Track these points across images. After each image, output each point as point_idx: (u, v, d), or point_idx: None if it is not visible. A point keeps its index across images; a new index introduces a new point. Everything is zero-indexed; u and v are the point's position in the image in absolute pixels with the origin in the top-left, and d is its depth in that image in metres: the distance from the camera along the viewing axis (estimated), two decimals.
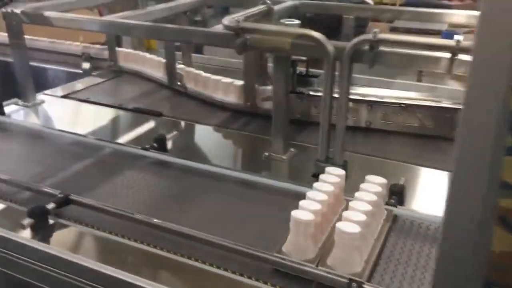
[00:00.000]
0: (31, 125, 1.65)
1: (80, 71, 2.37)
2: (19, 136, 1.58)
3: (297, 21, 1.57)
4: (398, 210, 1.12)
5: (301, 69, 1.78)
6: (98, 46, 2.40)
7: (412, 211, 1.14)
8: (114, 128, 1.78)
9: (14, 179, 1.25)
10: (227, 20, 1.31)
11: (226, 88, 1.84)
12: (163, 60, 2.11)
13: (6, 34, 2.61)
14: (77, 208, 1.15)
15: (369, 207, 0.97)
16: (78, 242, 1.10)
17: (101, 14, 2.84)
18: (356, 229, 0.90)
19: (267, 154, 1.45)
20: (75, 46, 2.45)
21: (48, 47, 2.50)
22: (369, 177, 1.09)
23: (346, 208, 1.00)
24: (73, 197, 1.15)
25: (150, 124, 1.75)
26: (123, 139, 1.62)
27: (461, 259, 0.62)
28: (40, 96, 1.93)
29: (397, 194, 1.17)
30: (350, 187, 1.12)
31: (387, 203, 1.13)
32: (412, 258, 0.99)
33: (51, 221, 1.12)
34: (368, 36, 1.12)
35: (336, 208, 1.07)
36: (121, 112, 1.84)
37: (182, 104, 1.93)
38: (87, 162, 1.41)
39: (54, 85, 2.25)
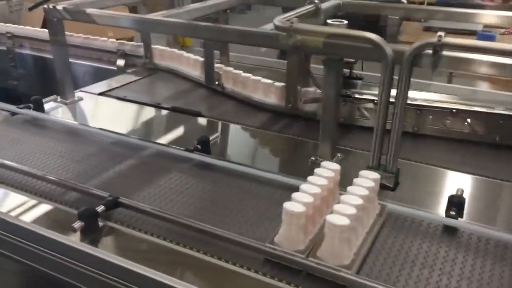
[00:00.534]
0: (72, 123, 1.63)
1: (114, 68, 2.36)
2: (61, 134, 1.56)
3: (345, 22, 1.53)
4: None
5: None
6: (132, 43, 2.38)
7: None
8: (153, 128, 1.75)
9: (62, 180, 1.23)
10: (278, 20, 1.27)
11: (267, 89, 1.80)
12: (200, 59, 2.09)
13: (42, 30, 2.65)
14: (125, 211, 1.13)
15: (360, 201, 0.99)
16: (126, 245, 1.07)
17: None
18: (345, 221, 0.92)
19: (313, 158, 1.41)
20: (110, 42, 2.43)
21: (82, 43, 2.49)
22: (362, 172, 1.10)
23: (339, 202, 1.01)
24: (122, 200, 1.12)
25: (189, 124, 1.72)
26: (164, 139, 1.59)
27: None
28: (77, 93, 1.91)
29: (456, 205, 1.12)
30: (404, 199, 1.09)
31: (447, 216, 1.09)
32: (402, 252, 1.01)
33: (100, 224, 1.09)
34: (432, 40, 1.07)
35: (330, 202, 1.08)
36: (160, 111, 1.81)
37: (220, 104, 1.89)
38: (130, 162, 1.39)
39: (87, 82, 2.24)
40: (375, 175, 1.09)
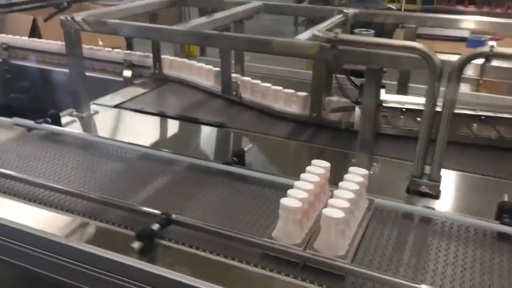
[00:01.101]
0: (97, 138, 1.57)
1: (120, 79, 2.32)
2: (88, 149, 1.51)
3: (371, 31, 1.53)
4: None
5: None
6: (140, 53, 2.33)
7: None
8: (180, 140, 1.72)
9: (106, 197, 1.19)
10: (319, 31, 1.27)
11: (288, 99, 1.80)
12: (213, 69, 2.07)
13: (40, 40, 2.57)
14: (176, 228, 1.10)
15: (352, 195, 1.05)
16: (183, 262, 1.04)
17: None
18: (340, 214, 0.98)
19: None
20: (115, 53, 2.38)
21: (86, 53, 2.42)
22: (352, 169, 1.18)
23: (331, 197, 1.06)
24: (175, 217, 1.10)
25: (215, 136, 1.70)
26: (193, 151, 1.56)
27: None
28: (91, 106, 1.86)
29: (508, 212, 1.13)
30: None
31: (502, 223, 1.10)
32: (390, 242, 1.08)
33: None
34: (485, 49, 1.09)
35: (321, 197, 1.14)
36: (182, 123, 1.78)
37: (239, 114, 1.88)
38: (167, 177, 1.36)
39: (94, 94, 2.18)
40: (364, 171, 1.17)
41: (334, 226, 0.98)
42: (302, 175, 1.12)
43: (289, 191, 1.05)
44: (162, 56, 2.23)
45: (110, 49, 2.41)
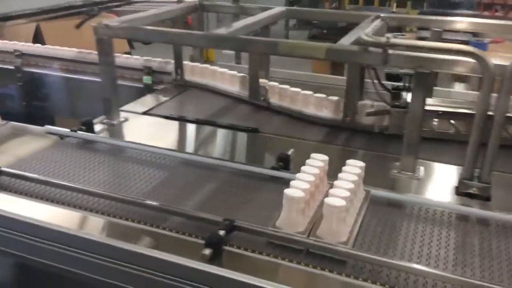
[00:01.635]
0: (137, 145, 1.54)
1: (140, 85, 2.31)
2: (131, 157, 1.49)
3: (405, 35, 1.55)
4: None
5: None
6: (160, 59, 2.32)
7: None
8: (215, 146, 1.71)
9: (164, 204, 1.18)
10: (369, 37, 1.28)
11: (319, 103, 1.80)
12: (238, 74, 2.07)
13: (53, 47, 2.55)
14: (238, 234, 1.10)
15: (352, 185, 1.12)
16: (248, 268, 1.03)
17: None
18: (342, 203, 1.04)
19: (396, 171, 1.42)
20: (134, 59, 2.37)
21: None
22: (349, 161, 1.24)
23: (331, 187, 1.13)
24: (238, 223, 1.09)
25: (249, 141, 1.70)
26: (230, 157, 1.56)
27: None
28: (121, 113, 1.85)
29: None
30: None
31: None
32: (386, 229, 1.16)
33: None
34: None
35: (321, 188, 1.21)
36: (214, 129, 1.78)
37: (269, 119, 1.88)
38: (214, 183, 1.35)
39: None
40: (361, 163, 1.23)
41: (337, 214, 1.04)
42: (303, 168, 1.18)
43: (292, 183, 1.11)
44: (184, 62, 2.22)
45: (129, 55, 2.40)
